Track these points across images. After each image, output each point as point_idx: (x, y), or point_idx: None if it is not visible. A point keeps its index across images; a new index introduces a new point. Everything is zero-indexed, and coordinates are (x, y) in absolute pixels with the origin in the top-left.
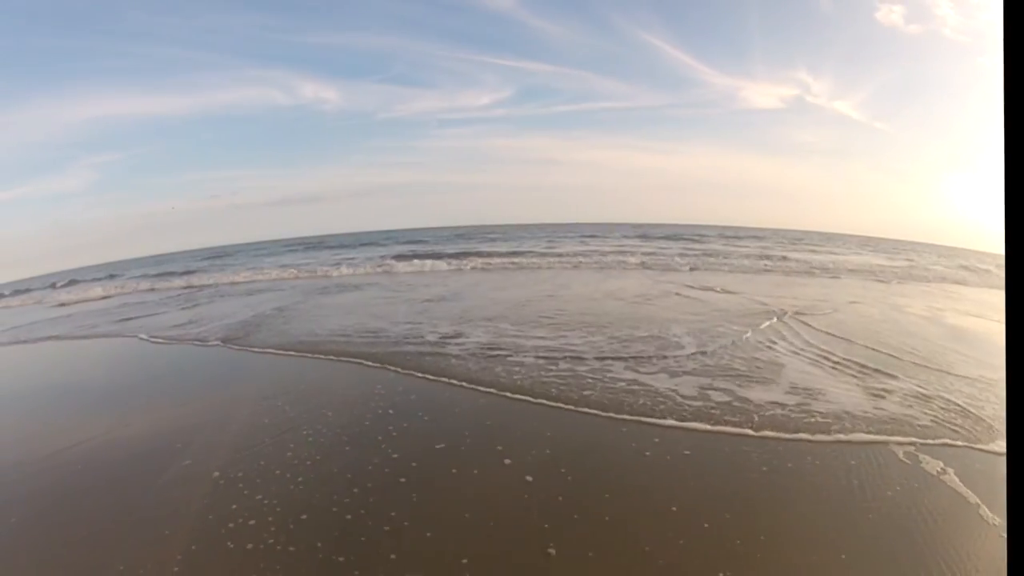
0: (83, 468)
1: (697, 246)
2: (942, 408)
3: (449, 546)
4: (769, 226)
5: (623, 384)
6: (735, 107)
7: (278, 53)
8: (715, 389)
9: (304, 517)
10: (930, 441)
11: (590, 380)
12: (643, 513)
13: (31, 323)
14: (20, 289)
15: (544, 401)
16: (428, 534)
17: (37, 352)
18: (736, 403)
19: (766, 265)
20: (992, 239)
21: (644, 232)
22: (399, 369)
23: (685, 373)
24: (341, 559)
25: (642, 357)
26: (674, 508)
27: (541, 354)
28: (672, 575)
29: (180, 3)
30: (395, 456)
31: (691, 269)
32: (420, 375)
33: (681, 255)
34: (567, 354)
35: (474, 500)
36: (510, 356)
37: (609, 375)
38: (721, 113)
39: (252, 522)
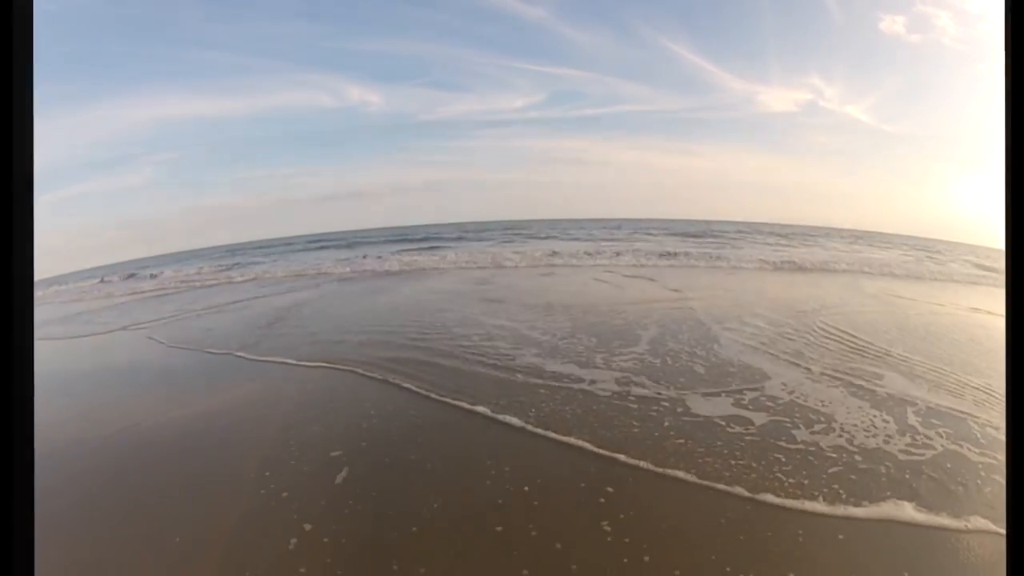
0: (146, 444)
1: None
2: None
3: None
4: (786, 223)
5: None
6: (752, 111)
7: (326, 59)
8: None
9: (351, 502)
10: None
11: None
12: None
13: (89, 312)
14: (61, 282)
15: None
16: None
17: (98, 342)
18: None
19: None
20: (995, 236)
21: (668, 227)
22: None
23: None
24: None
25: None
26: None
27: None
28: None
29: (237, 12)
30: None
31: (732, 268)
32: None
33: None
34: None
35: None
36: None
37: None
38: (739, 116)
39: (304, 497)
